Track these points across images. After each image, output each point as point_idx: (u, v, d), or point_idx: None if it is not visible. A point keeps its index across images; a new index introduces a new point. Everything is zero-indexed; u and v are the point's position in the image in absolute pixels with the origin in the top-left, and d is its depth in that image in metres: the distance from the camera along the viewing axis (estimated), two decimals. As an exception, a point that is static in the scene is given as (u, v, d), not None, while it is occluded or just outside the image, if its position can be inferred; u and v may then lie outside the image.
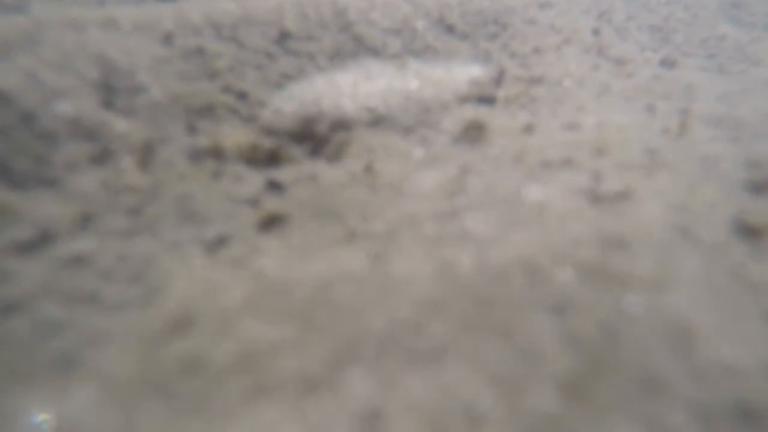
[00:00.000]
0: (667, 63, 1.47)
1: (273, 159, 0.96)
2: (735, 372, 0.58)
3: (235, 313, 0.66)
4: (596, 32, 1.68)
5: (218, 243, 0.77)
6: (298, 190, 0.88)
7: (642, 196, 0.84)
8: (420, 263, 0.72)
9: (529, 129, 1.07)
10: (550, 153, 0.97)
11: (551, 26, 1.67)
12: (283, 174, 0.92)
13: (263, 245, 0.77)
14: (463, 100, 1.18)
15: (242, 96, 1.10)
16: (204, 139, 0.97)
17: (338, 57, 1.30)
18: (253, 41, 1.25)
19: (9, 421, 0.54)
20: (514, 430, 0.53)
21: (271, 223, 0.81)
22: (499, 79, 1.30)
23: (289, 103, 1.08)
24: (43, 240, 0.75)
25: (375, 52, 1.34)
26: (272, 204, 0.85)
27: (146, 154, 0.92)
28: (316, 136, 1.01)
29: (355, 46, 1.34)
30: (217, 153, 0.95)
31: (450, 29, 1.52)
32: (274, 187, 0.89)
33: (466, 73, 1.29)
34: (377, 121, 1.06)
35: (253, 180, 0.90)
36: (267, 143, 0.98)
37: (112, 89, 1.02)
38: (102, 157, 0.89)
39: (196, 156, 0.94)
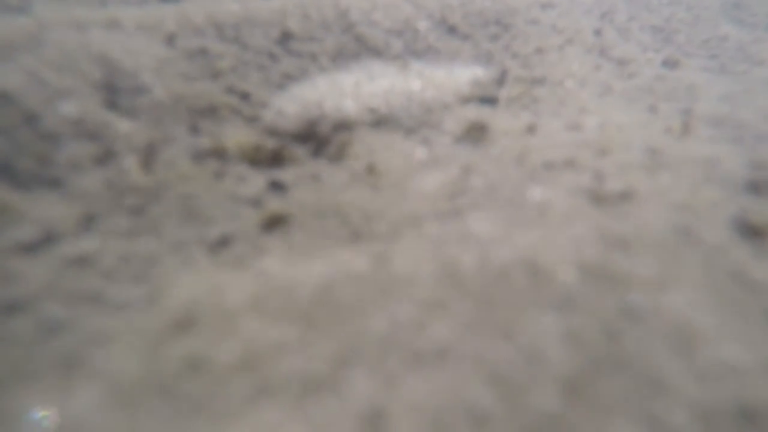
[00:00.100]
0: (669, 63, 1.47)
1: (275, 159, 0.96)
2: (736, 372, 0.58)
3: (237, 313, 0.66)
4: (598, 33, 1.68)
5: (221, 243, 0.78)
6: (300, 190, 0.89)
7: (644, 196, 0.84)
8: (422, 263, 0.72)
9: (531, 129, 1.07)
10: (552, 153, 0.97)
11: (553, 27, 1.67)
12: (285, 174, 0.92)
13: (266, 245, 0.77)
14: (465, 100, 1.18)
15: (245, 96, 1.10)
16: (207, 140, 0.97)
17: (340, 58, 1.30)
18: (256, 42, 1.26)
19: (13, 420, 0.55)
20: (517, 430, 0.53)
21: (273, 223, 0.81)
22: (501, 80, 1.30)
23: (292, 103, 1.08)
24: (46, 240, 0.75)
25: (377, 52, 1.35)
26: (275, 204, 0.85)
27: (149, 155, 0.92)
28: (318, 137, 1.02)
29: (357, 46, 1.35)
30: (219, 153, 0.95)
31: (452, 30, 1.53)
32: (277, 187, 0.89)
33: (468, 73, 1.29)
34: (379, 121, 1.07)
35: (256, 180, 0.90)
36: (269, 144, 0.99)
37: (115, 90, 1.02)
38: (105, 158, 0.89)
39: (199, 156, 0.94)
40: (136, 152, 0.92)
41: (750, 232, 0.77)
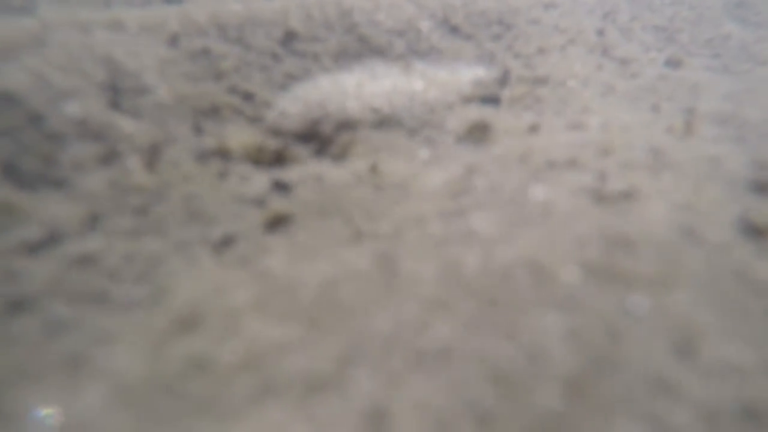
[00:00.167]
0: (672, 63, 1.47)
1: (279, 159, 0.96)
2: (739, 371, 0.58)
3: (241, 312, 0.66)
4: (601, 32, 1.67)
5: (225, 243, 0.78)
6: (303, 190, 0.89)
7: (647, 195, 0.84)
8: (426, 263, 0.73)
9: (533, 129, 1.07)
10: (555, 153, 0.97)
11: (555, 27, 1.67)
12: (288, 174, 0.93)
13: (269, 245, 0.78)
14: (468, 100, 1.18)
15: (248, 97, 1.10)
16: (210, 140, 0.98)
17: (343, 58, 1.30)
18: (259, 42, 1.26)
19: (18, 420, 0.55)
20: (519, 429, 0.53)
21: (277, 223, 0.82)
22: (503, 80, 1.31)
23: (295, 103, 1.08)
24: (51, 240, 0.76)
25: (380, 53, 1.35)
26: (278, 204, 0.86)
27: (153, 155, 0.92)
28: (321, 137, 1.02)
29: (359, 47, 1.35)
30: (223, 153, 0.95)
31: (454, 30, 1.53)
32: (280, 187, 0.89)
33: (470, 73, 1.29)
34: (382, 121, 1.07)
35: (259, 180, 0.91)
36: (273, 144, 0.99)
37: (118, 90, 1.02)
38: (109, 158, 0.90)
39: (203, 156, 0.94)
40: (140, 152, 0.92)
41: (753, 231, 0.77)
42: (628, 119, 1.11)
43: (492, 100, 1.20)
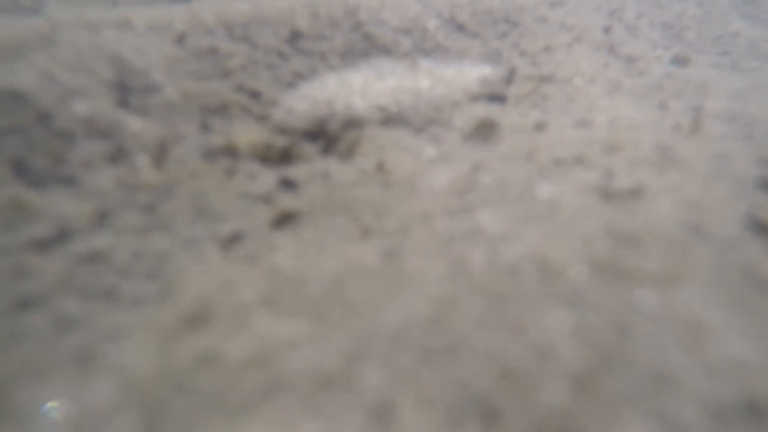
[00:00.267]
0: (679, 60, 1.47)
1: (286, 157, 0.96)
2: (746, 368, 0.58)
3: (249, 308, 0.67)
4: (607, 30, 1.67)
5: (232, 240, 0.78)
6: (310, 187, 0.89)
7: (654, 193, 0.84)
8: (432, 260, 0.73)
9: (540, 127, 1.07)
10: (562, 150, 0.97)
11: (562, 24, 1.67)
12: (295, 172, 0.93)
13: (277, 242, 0.78)
14: (474, 98, 1.18)
15: (255, 95, 1.11)
16: (217, 138, 0.98)
17: (349, 56, 1.30)
18: (265, 41, 1.26)
19: (28, 416, 0.55)
20: (527, 425, 0.53)
21: (284, 220, 0.82)
22: (509, 78, 1.30)
23: (301, 102, 1.09)
24: (60, 237, 0.76)
25: (386, 51, 1.35)
26: (285, 201, 0.86)
27: (161, 153, 0.93)
28: (328, 135, 1.02)
29: (366, 45, 1.35)
30: (230, 151, 0.96)
31: (460, 28, 1.53)
32: (287, 184, 0.90)
33: (476, 71, 1.29)
34: (388, 119, 1.07)
35: (267, 178, 0.91)
36: (280, 141, 0.99)
37: (126, 89, 1.03)
38: (117, 156, 0.90)
39: (210, 154, 0.95)
40: (148, 150, 0.93)
41: (760, 229, 0.76)
42: (634, 117, 1.11)
43: (498, 97, 1.20)
